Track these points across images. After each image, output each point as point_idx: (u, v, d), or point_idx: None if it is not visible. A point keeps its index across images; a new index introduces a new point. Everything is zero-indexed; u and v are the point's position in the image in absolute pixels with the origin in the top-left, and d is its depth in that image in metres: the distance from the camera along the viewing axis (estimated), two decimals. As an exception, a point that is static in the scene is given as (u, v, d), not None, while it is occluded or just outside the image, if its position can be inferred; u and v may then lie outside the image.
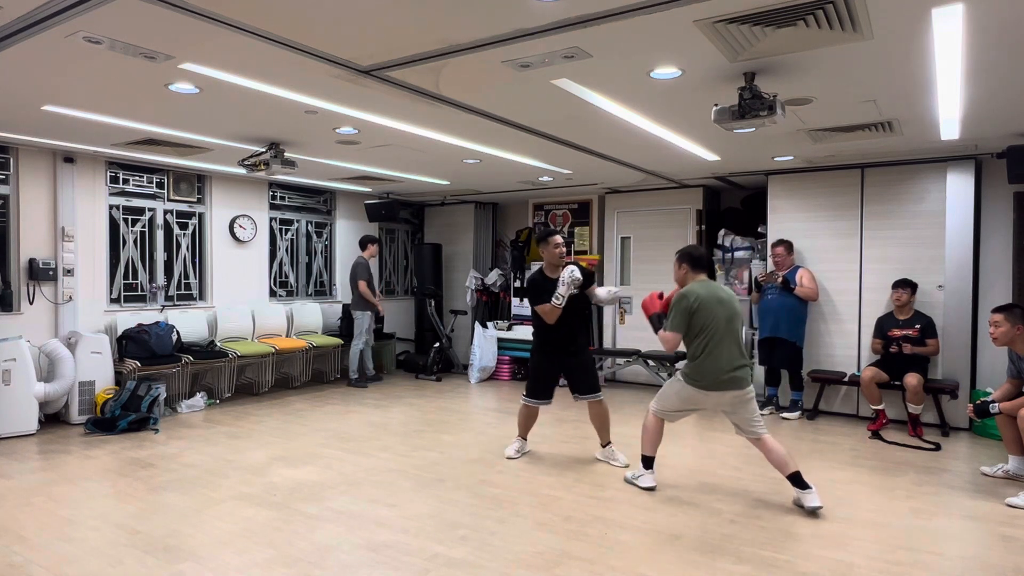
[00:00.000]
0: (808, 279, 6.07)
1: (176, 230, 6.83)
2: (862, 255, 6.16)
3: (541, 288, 4.50)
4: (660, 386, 7.05)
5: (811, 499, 3.69)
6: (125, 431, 5.38)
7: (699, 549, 3.21)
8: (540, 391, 4.65)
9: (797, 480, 3.73)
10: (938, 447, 5.09)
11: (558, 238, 4.56)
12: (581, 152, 5.61)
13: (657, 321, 3.98)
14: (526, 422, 4.77)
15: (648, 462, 4.13)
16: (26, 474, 4.34)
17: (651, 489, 4.05)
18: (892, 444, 5.19)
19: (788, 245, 6.21)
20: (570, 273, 4.35)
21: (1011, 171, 5.03)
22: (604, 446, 4.71)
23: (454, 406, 6.66)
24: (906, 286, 5.66)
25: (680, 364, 4.64)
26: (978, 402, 4.30)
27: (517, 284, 8.52)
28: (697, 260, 3.96)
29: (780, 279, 6.08)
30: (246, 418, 6.01)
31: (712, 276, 4.06)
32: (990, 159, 5.72)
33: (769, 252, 6.36)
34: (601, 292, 4.63)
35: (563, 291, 4.34)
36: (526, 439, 4.84)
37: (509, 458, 4.69)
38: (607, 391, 7.38)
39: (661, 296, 4.08)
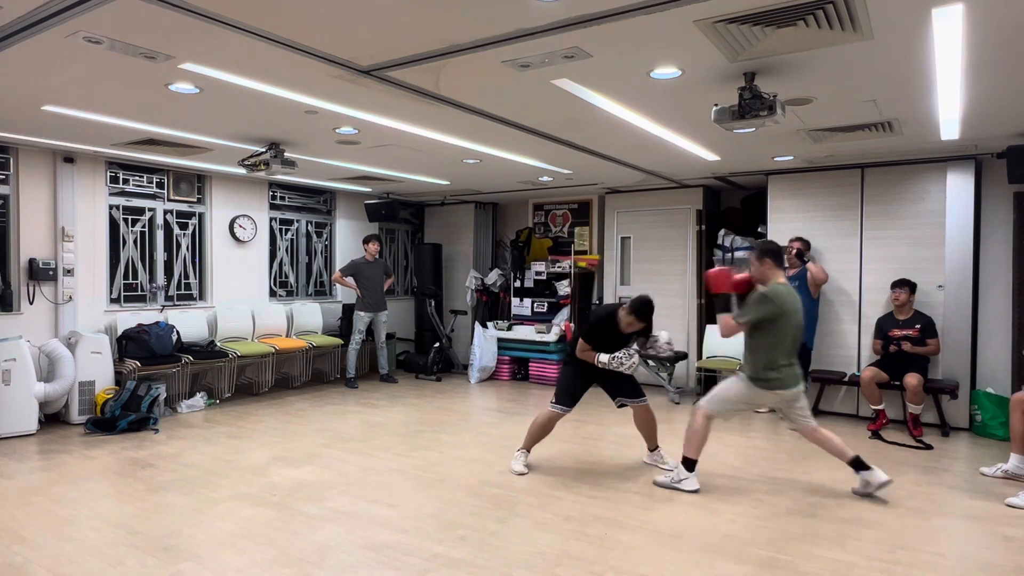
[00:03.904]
0: (817, 269, 6.02)
1: (176, 230, 6.83)
2: (862, 255, 6.16)
3: (604, 332, 4.24)
4: (660, 386, 7.13)
5: (878, 476, 3.87)
6: (125, 431, 5.38)
7: (699, 549, 3.21)
8: (572, 398, 4.36)
9: (859, 464, 3.91)
10: (930, 447, 5.10)
11: (638, 323, 4.16)
12: (581, 152, 5.61)
13: (724, 303, 3.91)
14: (540, 433, 4.46)
15: (692, 465, 4.03)
16: (26, 474, 4.34)
17: (695, 491, 3.98)
18: (892, 444, 5.19)
19: (805, 244, 6.15)
20: (634, 358, 4.16)
21: (1011, 171, 5.03)
22: (652, 451, 4.60)
23: (454, 406, 6.66)
24: (904, 286, 5.66)
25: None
26: None
27: (517, 284, 8.52)
28: (780, 258, 3.95)
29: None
30: (246, 418, 6.01)
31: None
32: (990, 159, 5.72)
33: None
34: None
35: (614, 365, 4.16)
36: (529, 452, 4.54)
37: (519, 474, 4.36)
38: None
39: (732, 276, 3.99)
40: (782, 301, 3.81)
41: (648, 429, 4.55)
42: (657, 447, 4.61)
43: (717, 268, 3.95)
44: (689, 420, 4.08)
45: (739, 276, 4.06)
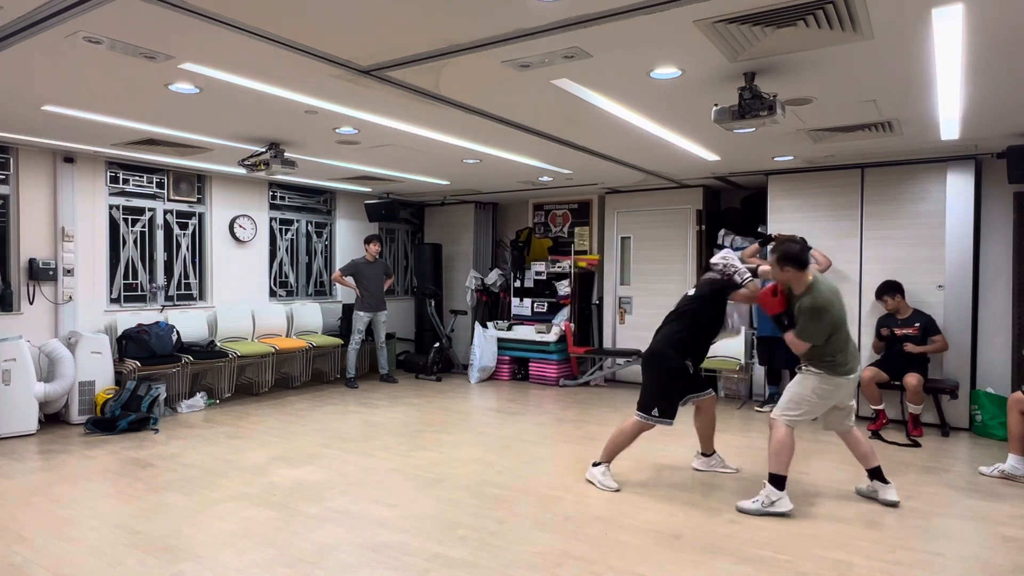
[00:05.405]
0: (819, 255, 5.92)
1: (176, 230, 6.83)
2: (862, 255, 6.15)
3: (714, 308, 4.18)
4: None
5: (889, 494, 3.84)
6: (125, 431, 5.37)
7: (699, 549, 3.21)
8: (674, 408, 4.03)
9: (878, 474, 3.88)
10: (918, 445, 5.13)
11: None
12: (581, 152, 5.61)
13: (782, 319, 3.78)
14: (627, 443, 4.12)
15: (782, 482, 3.71)
16: (26, 474, 4.34)
17: (789, 513, 3.67)
18: (892, 444, 5.19)
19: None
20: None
21: (1011, 171, 5.03)
22: (708, 455, 4.43)
23: (454, 406, 6.66)
24: (887, 291, 5.64)
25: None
26: None
27: (517, 284, 8.52)
28: (802, 261, 3.73)
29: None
30: (246, 418, 6.01)
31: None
32: (990, 159, 5.72)
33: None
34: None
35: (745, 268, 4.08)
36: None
37: (615, 491, 4.01)
38: (608, 391, 7.41)
39: (775, 292, 3.84)
40: (827, 302, 3.66)
41: (708, 430, 4.37)
42: (713, 451, 4.42)
43: (761, 291, 3.94)
44: (769, 435, 3.82)
45: (780, 290, 3.87)
